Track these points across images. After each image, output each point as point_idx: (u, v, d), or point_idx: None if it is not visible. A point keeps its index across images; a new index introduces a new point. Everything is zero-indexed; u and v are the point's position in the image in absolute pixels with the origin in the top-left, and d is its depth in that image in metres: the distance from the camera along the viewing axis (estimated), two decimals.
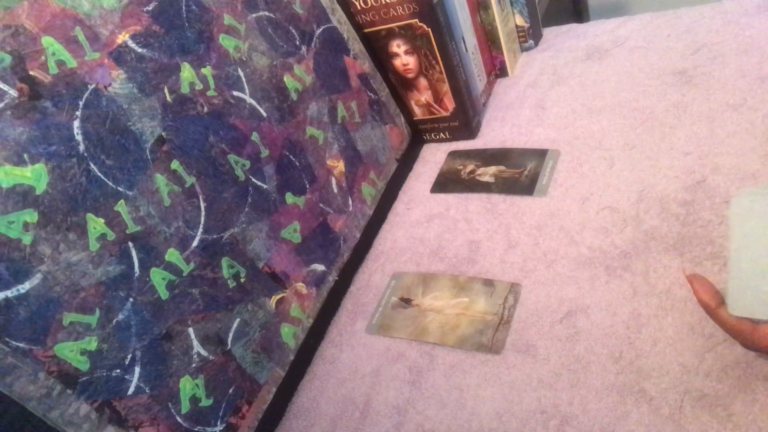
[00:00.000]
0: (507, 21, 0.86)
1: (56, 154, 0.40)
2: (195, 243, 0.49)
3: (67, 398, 0.38)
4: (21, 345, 0.36)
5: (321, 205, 0.63)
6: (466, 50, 0.76)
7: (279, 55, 0.60)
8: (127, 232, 0.44)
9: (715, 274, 0.48)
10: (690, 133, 0.62)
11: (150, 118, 0.47)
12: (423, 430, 0.49)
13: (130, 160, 0.45)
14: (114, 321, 0.42)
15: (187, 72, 0.50)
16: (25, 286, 0.37)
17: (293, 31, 0.63)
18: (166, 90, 0.48)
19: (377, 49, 0.75)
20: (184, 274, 0.47)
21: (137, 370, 0.43)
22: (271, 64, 0.59)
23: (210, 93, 0.52)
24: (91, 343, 0.40)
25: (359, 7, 0.71)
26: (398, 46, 0.73)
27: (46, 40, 0.41)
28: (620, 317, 0.49)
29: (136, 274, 0.44)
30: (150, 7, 0.48)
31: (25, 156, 0.38)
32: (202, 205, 0.50)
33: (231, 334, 0.51)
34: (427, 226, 0.68)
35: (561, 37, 0.92)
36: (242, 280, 0.52)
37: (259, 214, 0.55)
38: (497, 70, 0.88)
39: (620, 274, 0.52)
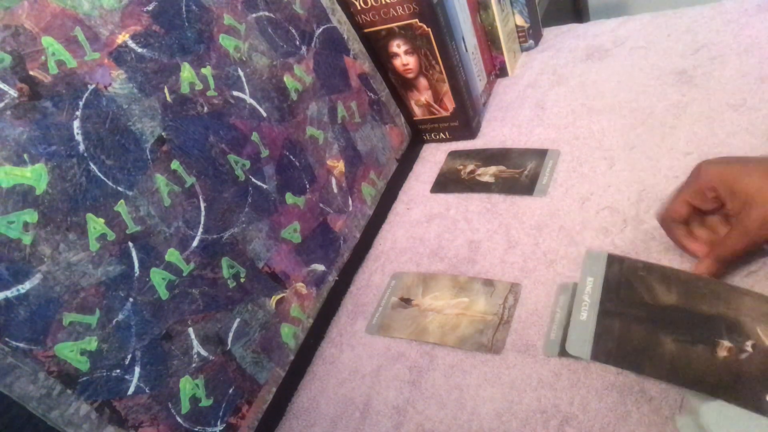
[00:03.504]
0: (507, 21, 0.86)
1: (56, 154, 0.40)
2: (195, 243, 0.49)
3: (67, 398, 0.38)
4: (21, 345, 0.36)
5: (321, 205, 0.63)
6: (466, 50, 0.76)
7: (279, 55, 0.60)
8: (127, 232, 0.44)
9: None
10: (690, 133, 0.62)
11: (150, 118, 0.47)
12: (423, 430, 0.49)
13: (130, 160, 0.45)
14: (114, 321, 0.42)
15: (187, 72, 0.50)
16: (25, 286, 0.37)
17: (293, 31, 0.63)
18: (166, 90, 0.48)
19: (377, 49, 0.75)
20: (184, 274, 0.47)
21: (137, 370, 0.43)
22: (271, 64, 0.59)
23: (210, 93, 0.52)
24: (91, 343, 0.40)
25: (359, 7, 0.71)
26: (398, 46, 0.73)
27: (46, 40, 0.41)
28: None
29: (136, 274, 0.44)
30: (150, 7, 0.48)
31: (25, 156, 0.38)
32: (202, 205, 0.50)
33: (231, 334, 0.51)
34: (427, 226, 0.68)
35: (561, 37, 0.92)
36: (242, 280, 0.52)
37: (259, 214, 0.55)
38: (497, 70, 0.88)
39: None
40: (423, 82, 0.76)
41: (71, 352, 0.39)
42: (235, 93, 0.55)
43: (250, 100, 0.56)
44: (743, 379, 0.34)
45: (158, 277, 0.45)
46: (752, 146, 0.57)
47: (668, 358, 0.36)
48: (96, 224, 0.42)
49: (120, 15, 0.46)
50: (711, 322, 0.36)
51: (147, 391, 0.43)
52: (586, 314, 0.39)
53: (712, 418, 0.34)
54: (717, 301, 0.37)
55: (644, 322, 0.38)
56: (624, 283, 0.39)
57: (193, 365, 0.47)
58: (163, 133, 0.47)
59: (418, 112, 0.80)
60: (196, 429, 0.46)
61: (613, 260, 0.40)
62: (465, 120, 0.77)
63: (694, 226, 0.47)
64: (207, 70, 0.52)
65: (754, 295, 0.37)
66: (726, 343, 0.35)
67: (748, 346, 0.35)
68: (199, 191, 0.50)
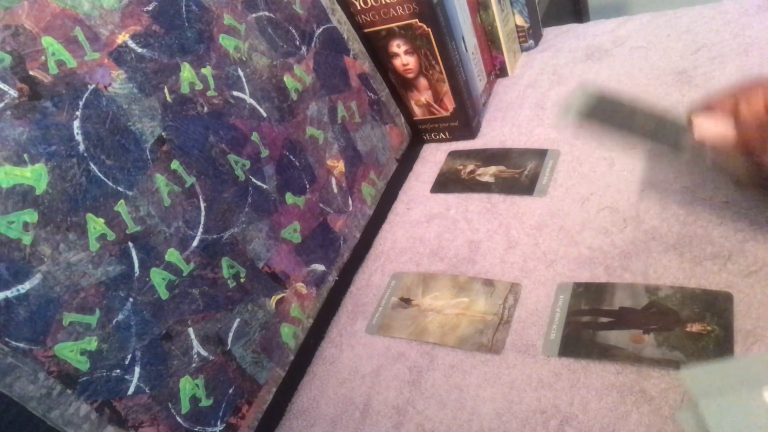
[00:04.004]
0: (507, 21, 0.86)
1: (56, 154, 0.40)
2: (195, 243, 0.49)
3: (67, 398, 0.38)
4: (21, 345, 0.36)
5: (321, 205, 0.63)
6: (466, 50, 0.76)
7: (279, 55, 0.60)
8: (127, 232, 0.44)
9: (715, 274, 0.48)
10: None
11: (150, 118, 0.47)
12: (423, 430, 0.49)
13: (130, 160, 0.45)
14: (114, 321, 0.42)
15: (187, 72, 0.50)
16: (25, 286, 0.37)
17: (293, 31, 0.63)
18: (166, 90, 0.48)
19: (377, 49, 0.75)
20: (184, 274, 0.47)
21: (137, 370, 0.43)
22: (271, 64, 0.59)
23: (210, 93, 0.52)
24: (91, 343, 0.40)
25: (359, 7, 0.71)
26: (398, 46, 0.73)
27: (46, 40, 0.41)
28: None
29: (136, 274, 0.44)
30: (150, 7, 0.48)
31: (25, 156, 0.38)
32: (202, 205, 0.50)
33: (231, 334, 0.51)
34: (427, 226, 0.68)
35: (561, 37, 0.92)
36: (242, 280, 0.52)
37: (259, 214, 0.55)
38: (497, 70, 0.88)
39: (620, 274, 0.52)
40: (423, 82, 0.76)
41: (71, 352, 0.39)
42: (235, 93, 0.55)
43: (250, 100, 0.56)
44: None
45: (158, 277, 0.45)
46: None
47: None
48: (96, 224, 0.42)
49: (120, 15, 0.46)
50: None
51: (147, 391, 0.43)
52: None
53: (711, 414, 0.34)
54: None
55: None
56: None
57: (193, 365, 0.47)
58: (163, 133, 0.47)
59: (418, 112, 0.80)
60: (196, 429, 0.46)
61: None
62: (465, 120, 0.77)
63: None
64: (207, 70, 0.52)
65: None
66: None
67: None
68: (199, 191, 0.50)
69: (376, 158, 0.73)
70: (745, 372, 0.36)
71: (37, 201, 0.38)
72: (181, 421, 0.45)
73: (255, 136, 0.56)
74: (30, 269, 0.38)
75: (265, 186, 0.56)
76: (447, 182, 0.73)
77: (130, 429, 0.42)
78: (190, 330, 0.47)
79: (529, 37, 0.91)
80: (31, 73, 0.39)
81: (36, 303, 0.38)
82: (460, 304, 0.56)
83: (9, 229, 0.37)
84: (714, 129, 0.42)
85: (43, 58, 0.40)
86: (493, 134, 0.78)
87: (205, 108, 0.51)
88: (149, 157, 0.46)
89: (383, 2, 0.69)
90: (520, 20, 0.89)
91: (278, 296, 0.56)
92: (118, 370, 0.42)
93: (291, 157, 0.60)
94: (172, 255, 0.47)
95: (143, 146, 0.46)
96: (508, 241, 0.61)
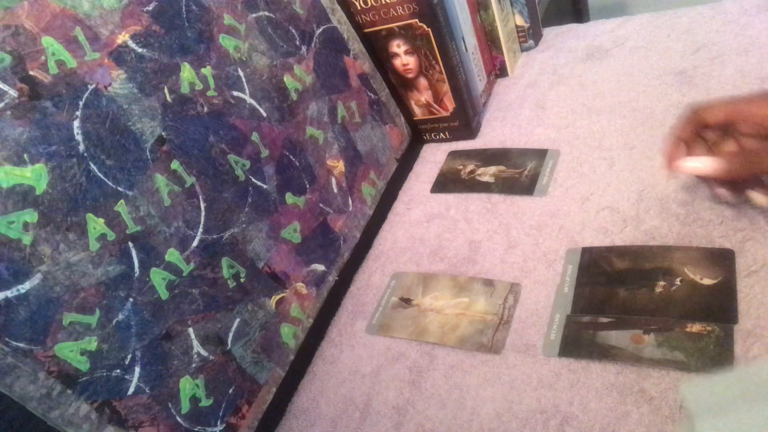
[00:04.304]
0: (507, 21, 0.86)
1: (56, 154, 0.40)
2: (195, 243, 0.49)
3: (67, 398, 0.38)
4: (21, 345, 0.36)
5: (321, 205, 0.63)
6: (466, 50, 0.76)
7: (279, 55, 0.60)
8: (127, 232, 0.44)
9: None
10: None
11: (150, 118, 0.47)
12: (423, 430, 0.49)
13: (130, 160, 0.45)
14: (114, 321, 0.42)
15: (187, 72, 0.50)
16: (25, 286, 0.37)
17: (293, 31, 0.63)
18: (166, 90, 0.48)
19: (377, 49, 0.75)
20: (184, 274, 0.47)
21: (137, 370, 0.43)
22: (271, 64, 0.59)
23: (210, 93, 0.52)
24: (91, 343, 0.40)
25: (359, 7, 0.71)
26: (398, 46, 0.73)
27: (46, 40, 0.41)
28: None
29: (136, 274, 0.44)
30: (150, 7, 0.48)
31: (25, 156, 0.38)
32: (202, 205, 0.50)
33: (231, 334, 0.51)
34: (427, 226, 0.68)
35: (561, 37, 0.92)
36: (242, 280, 0.52)
37: (259, 214, 0.55)
38: (497, 70, 0.88)
39: None
40: (423, 82, 0.76)
41: (71, 352, 0.39)
42: (235, 93, 0.55)
43: (250, 100, 0.56)
44: (672, 302, 0.47)
45: (158, 277, 0.45)
46: None
47: (621, 302, 0.49)
48: (96, 224, 0.42)
49: (120, 15, 0.46)
50: (651, 272, 0.50)
51: (147, 391, 0.43)
52: (567, 288, 0.53)
53: (692, 398, 0.34)
54: (655, 258, 0.51)
55: (605, 284, 0.51)
56: (592, 263, 0.53)
57: (193, 365, 0.47)
58: (163, 133, 0.47)
59: (418, 112, 0.80)
60: (196, 429, 0.46)
61: (585, 250, 0.55)
62: (465, 120, 0.77)
63: (699, 144, 0.48)
64: (207, 70, 0.52)
65: (682, 248, 0.51)
66: (661, 283, 0.49)
67: (677, 281, 0.48)
68: (199, 191, 0.50)
69: (376, 158, 0.73)
70: (749, 384, 0.35)
71: (37, 201, 0.38)
72: (181, 421, 0.45)
73: (255, 136, 0.56)
74: (30, 269, 0.38)
75: (265, 186, 0.56)
76: (447, 182, 0.73)
77: (130, 429, 0.42)
78: (190, 330, 0.47)
79: (529, 37, 0.91)
80: (31, 73, 0.39)
81: (36, 303, 0.38)
82: (460, 304, 0.56)
83: (9, 229, 0.37)
84: (703, 167, 0.47)
85: (43, 58, 0.40)
86: (493, 134, 0.78)
87: (205, 108, 0.51)
88: (149, 157, 0.46)
89: (383, 2, 0.69)
90: (520, 20, 0.89)
91: (278, 296, 0.56)
92: (118, 370, 0.42)
93: (291, 157, 0.60)
94: (172, 255, 0.47)
95: (143, 146, 0.46)
96: (508, 241, 0.61)
